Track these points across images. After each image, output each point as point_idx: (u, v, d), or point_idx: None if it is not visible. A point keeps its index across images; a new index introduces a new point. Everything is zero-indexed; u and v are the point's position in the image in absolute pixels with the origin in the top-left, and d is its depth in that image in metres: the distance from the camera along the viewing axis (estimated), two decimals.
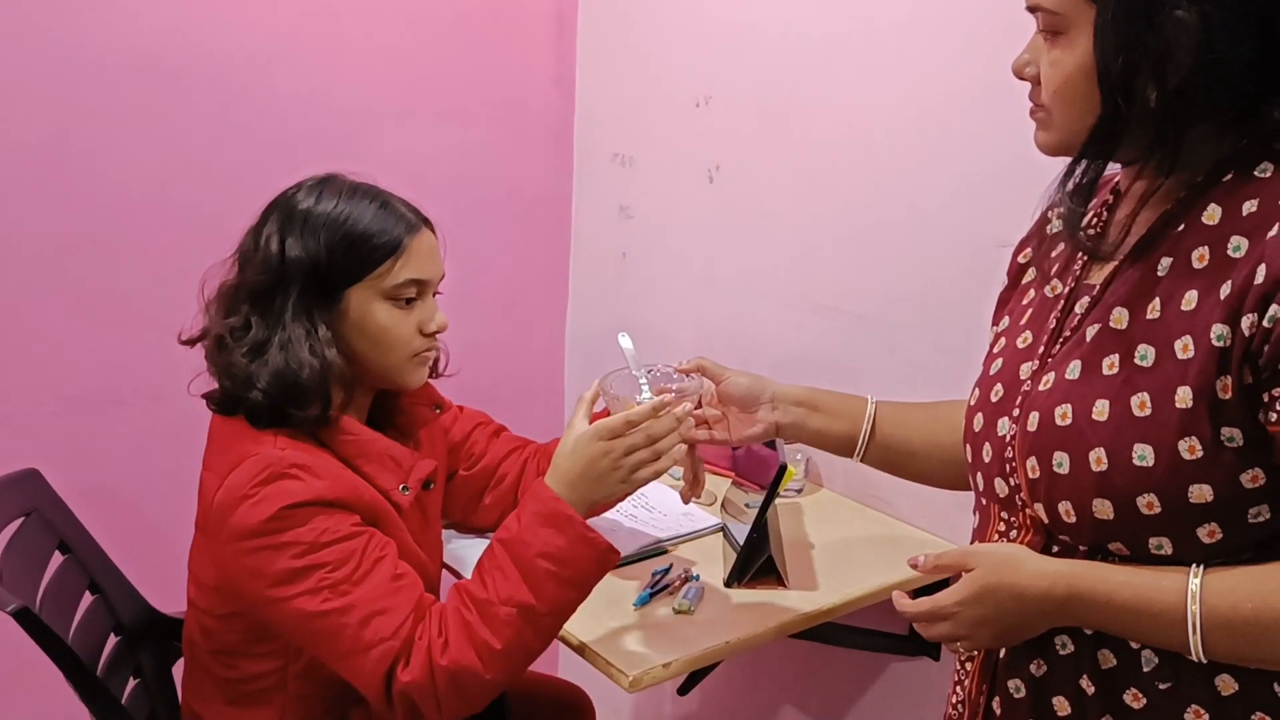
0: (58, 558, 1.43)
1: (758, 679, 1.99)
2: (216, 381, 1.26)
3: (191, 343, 1.29)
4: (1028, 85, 0.92)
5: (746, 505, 1.49)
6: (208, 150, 1.84)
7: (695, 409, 1.28)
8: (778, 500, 1.59)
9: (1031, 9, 0.88)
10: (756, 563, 1.41)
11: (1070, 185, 0.90)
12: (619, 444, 1.18)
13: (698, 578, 1.44)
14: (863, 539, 1.60)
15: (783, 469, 1.37)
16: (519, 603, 1.14)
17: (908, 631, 1.62)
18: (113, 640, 1.46)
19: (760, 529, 1.39)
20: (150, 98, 1.78)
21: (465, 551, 1.52)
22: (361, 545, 1.18)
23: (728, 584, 1.43)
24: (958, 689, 1.04)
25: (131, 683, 1.46)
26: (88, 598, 1.45)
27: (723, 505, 1.66)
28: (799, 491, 1.75)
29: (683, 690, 1.55)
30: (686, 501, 1.36)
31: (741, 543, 1.42)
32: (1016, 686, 0.95)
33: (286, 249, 1.22)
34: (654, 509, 1.65)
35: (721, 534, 1.59)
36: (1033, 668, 0.94)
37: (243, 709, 1.29)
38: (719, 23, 1.90)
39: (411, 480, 1.28)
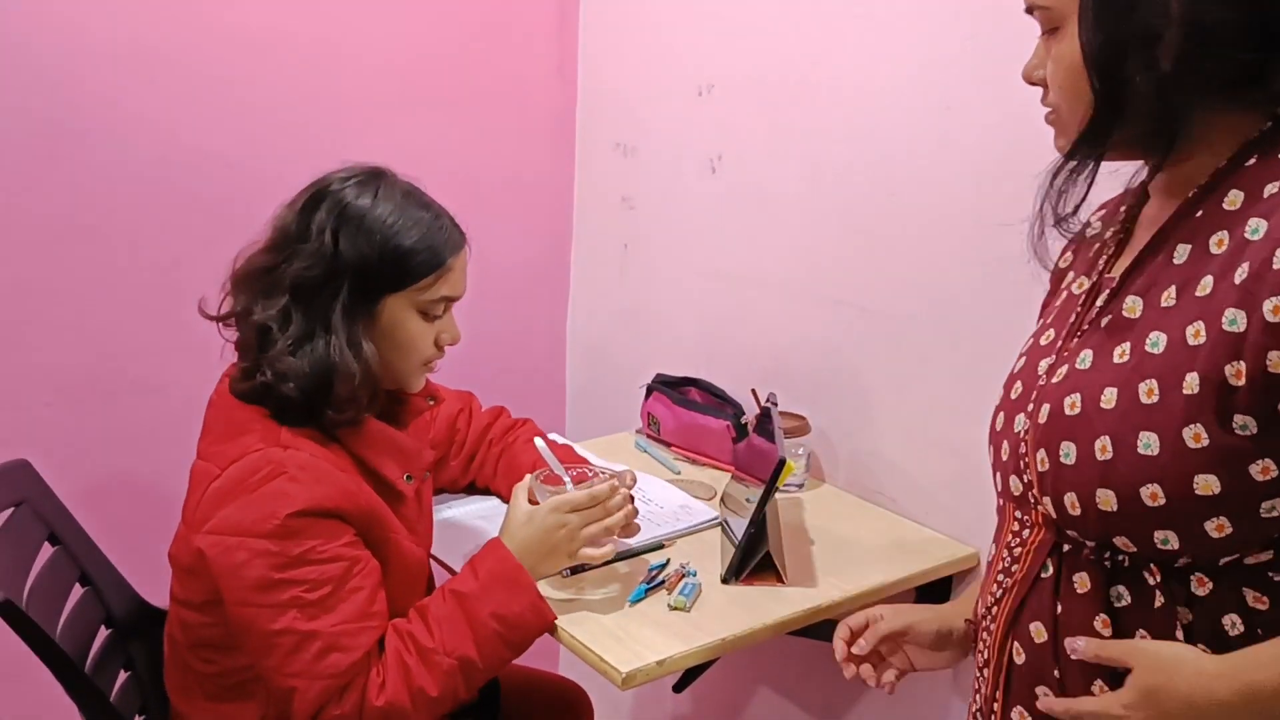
0: (47, 549, 1.42)
1: (757, 677, 1.97)
2: (245, 364, 1.24)
3: (220, 319, 1.27)
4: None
5: (746, 500, 1.46)
6: (205, 138, 1.81)
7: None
8: (778, 495, 1.56)
9: (1029, 10, 0.88)
10: (754, 559, 1.39)
11: (1060, 180, 0.88)
12: (576, 518, 1.28)
13: (694, 574, 1.42)
14: (864, 535, 1.58)
15: (782, 463, 1.34)
16: (461, 655, 1.19)
17: None
18: (103, 633, 1.45)
19: (758, 524, 1.37)
20: (148, 83, 1.76)
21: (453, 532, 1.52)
22: (342, 571, 1.18)
23: (725, 580, 1.40)
24: (977, 702, 1.02)
25: (123, 676, 1.45)
26: (78, 590, 1.43)
27: (722, 500, 1.64)
28: (800, 486, 1.73)
29: (678, 688, 1.53)
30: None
31: (740, 538, 1.39)
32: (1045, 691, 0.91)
33: (340, 246, 1.20)
34: (651, 502, 1.63)
35: (720, 529, 1.57)
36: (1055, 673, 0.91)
37: (224, 704, 1.28)
38: (721, 10, 1.87)
39: (416, 470, 1.31)
